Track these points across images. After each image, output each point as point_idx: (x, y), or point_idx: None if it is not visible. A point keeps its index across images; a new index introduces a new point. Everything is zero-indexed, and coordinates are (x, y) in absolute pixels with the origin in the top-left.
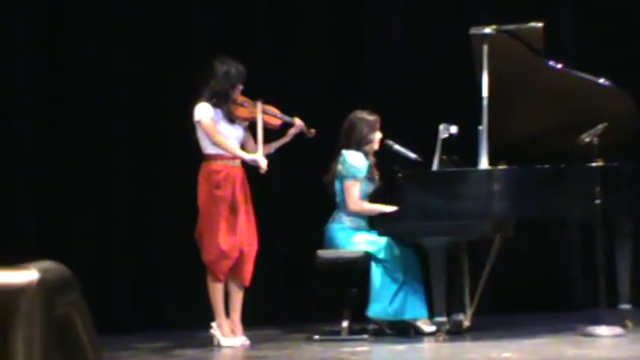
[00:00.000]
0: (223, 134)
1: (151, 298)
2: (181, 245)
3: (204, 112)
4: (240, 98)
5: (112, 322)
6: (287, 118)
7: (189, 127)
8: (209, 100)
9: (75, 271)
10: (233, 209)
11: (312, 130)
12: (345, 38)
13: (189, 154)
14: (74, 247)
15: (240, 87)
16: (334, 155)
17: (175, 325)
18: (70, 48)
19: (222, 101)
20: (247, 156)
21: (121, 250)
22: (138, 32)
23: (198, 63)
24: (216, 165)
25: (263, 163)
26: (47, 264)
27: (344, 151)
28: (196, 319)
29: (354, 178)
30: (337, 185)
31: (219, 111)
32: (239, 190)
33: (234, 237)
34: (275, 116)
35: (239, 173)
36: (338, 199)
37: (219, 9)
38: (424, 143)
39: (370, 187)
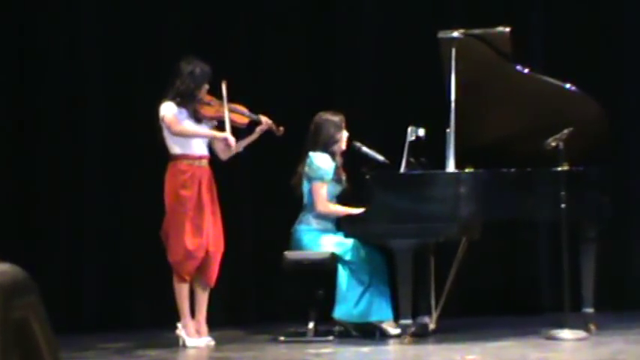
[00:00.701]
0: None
1: (117, 297)
2: (148, 245)
3: (167, 109)
4: (207, 97)
5: (78, 322)
6: (254, 117)
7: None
8: (173, 99)
9: (40, 270)
10: (199, 209)
11: (281, 128)
12: (314, 39)
13: (158, 154)
14: (39, 246)
15: (206, 86)
16: (301, 157)
17: (141, 325)
18: (41, 48)
19: (186, 101)
20: (218, 134)
21: (87, 250)
22: (110, 35)
23: (171, 64)
24: (182, 165)
25: (232, 141)
26: (3, 266)
27: (310, 153)
28: (162, 319)
29: (321, 179)
30: (304, 187)
31: (184, 110)
32: (205, 191)
33: (200, 237)
34: (242, 114)
35: (205, 173)
36: (305, 200)
37: (191, 8)
38: (392, 145)
39: (337, 189)
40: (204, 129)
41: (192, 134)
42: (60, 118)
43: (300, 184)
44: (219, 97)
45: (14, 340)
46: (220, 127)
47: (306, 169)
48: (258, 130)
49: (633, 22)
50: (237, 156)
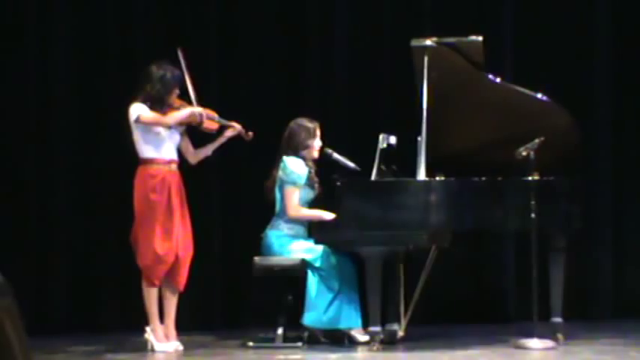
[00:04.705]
0: (161, 133)
1: (86, 301)
2: (117, 248)
3: (139, 109)
4: (177, 102)
5: (47, 325)
6: (225, 122)
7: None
8: (144, 102)
9: (9, 272)
10: (169, 214)
11: (250, 134)
12: (288, 47)
13: (127, 157)
14: (8, 248)
15: (177, 91)
16: (275, 162)
17: (109, 328)
18: (11, 47)
19: (156, 105)
20: (187, 110)
21: (56, 252)
22: (80, 36)
23: (141, 67)
24: (152, 169)
25: (199, 111)
26: None
27: (284, 158)
28: (130, 323)
29: (294, 184)
30: (277, 192)
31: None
32: (175, 195)
33: (169, 242)
34: (213, 120)
35: (175, 177)
36: (277, 205)
37: (162, 11)
38: (363, 153)
39: (310, 194)
40: (176, 115)
41: (170, 119)
42: (28, 117)
43: (273, 188)
44: (189, 101)
45: None
46: (190, 132)
47: (280, 172)
48: (227, 134)
49: (603, 31)
50: (205, 160)
